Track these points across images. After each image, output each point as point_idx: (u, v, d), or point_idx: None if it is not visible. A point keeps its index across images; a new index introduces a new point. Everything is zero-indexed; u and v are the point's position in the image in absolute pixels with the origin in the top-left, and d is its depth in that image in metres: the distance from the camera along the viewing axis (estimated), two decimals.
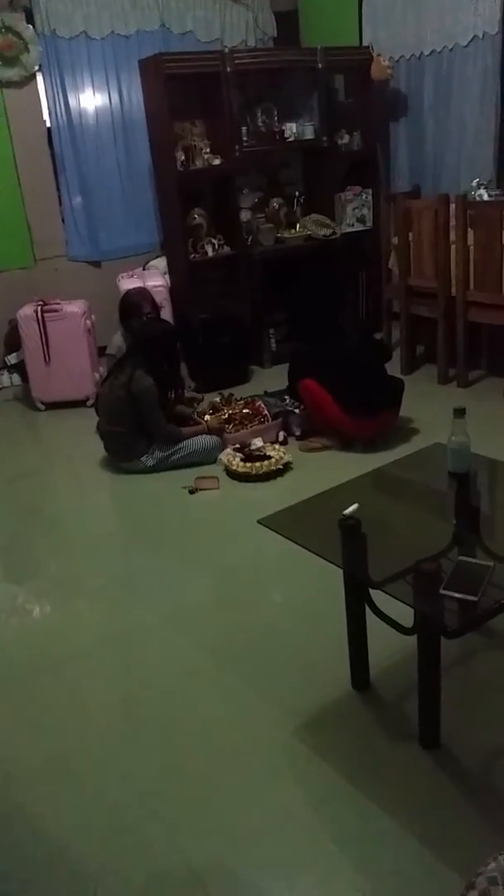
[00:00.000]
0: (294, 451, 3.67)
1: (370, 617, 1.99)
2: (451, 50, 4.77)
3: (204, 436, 3.73)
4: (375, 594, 1.89)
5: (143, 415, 3.58)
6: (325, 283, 4.14)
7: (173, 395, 3.83)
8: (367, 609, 1.99)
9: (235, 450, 3.64)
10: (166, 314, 4.65)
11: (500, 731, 1.94)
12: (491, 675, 2.15)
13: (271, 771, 1.89)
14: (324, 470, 3.45)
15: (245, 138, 4.87)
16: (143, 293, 4.25)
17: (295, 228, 5.17)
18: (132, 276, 4.94)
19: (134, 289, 4.35)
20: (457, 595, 1.65)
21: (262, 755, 1.93)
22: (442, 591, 1.66)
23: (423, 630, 1.77)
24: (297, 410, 3.86)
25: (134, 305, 4.09)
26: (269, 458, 3.53)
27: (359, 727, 2.00)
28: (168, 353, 3.72)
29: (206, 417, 3.92)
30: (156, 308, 4.24)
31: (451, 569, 1.74)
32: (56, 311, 4.64)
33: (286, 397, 3.93)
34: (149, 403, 3.57)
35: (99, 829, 1.77)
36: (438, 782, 1.80)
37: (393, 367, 4.28)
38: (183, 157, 4.73)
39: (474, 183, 4.52)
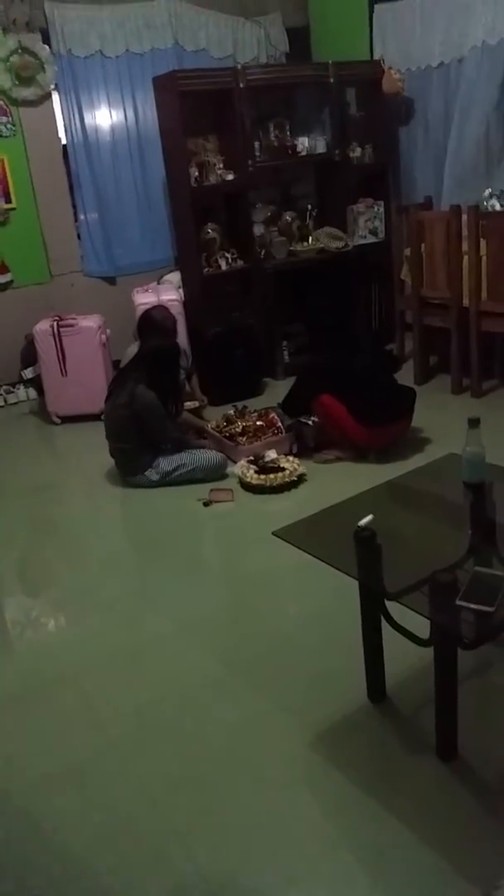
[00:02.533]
0: (308, 463, 3.68)
1: (386, 628, 1.98)
2: (459, 61, 4.80)
3: (209, 452, 3.74)
4: (391, 605, 1.89)
5: (151, 426, 3.62)
6: (338, 295, 4.15)
7: (175, 409, 3.86)
8: (383, 620, 1.98)
9: (249, 462, 3.65)
10: (180, 327, 4.68)
11: None
12: None
13: (287, 782, 1.88)
14: (338, 481, 3.46)
15: (258, 153, 4.91)
16: (164, 313, 4.25)
17: (308, 241, 5.20)
18: (146, 291, 4.99)
19: (156, 307, 4.35)
20: (473, 606, 1.64)
21: (278, 766, 1.93)
22: (458, 603, 1.66)
23: (439, 641, 1.76)
24: (310, 422, 3.86)
25: (155, 326, 4.10)
26: (283, 469, 3.54)
27: (375, 738, 1.99)
28: (169, 368, 3.76)
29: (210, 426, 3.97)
30: (175, 329, 4.25)
31: (467, 580, 1.73)
32: (72, 325, 4.68)
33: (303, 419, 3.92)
34: (155, 417, 3.61)
35: (114, 840, 1.78)
36: (455, 793, 1.78)
37: (406, 378, 4.29)
38: (197, 173, 4.78)
39: (486, 193, 4.53)
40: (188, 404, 4.26)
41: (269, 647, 2.41)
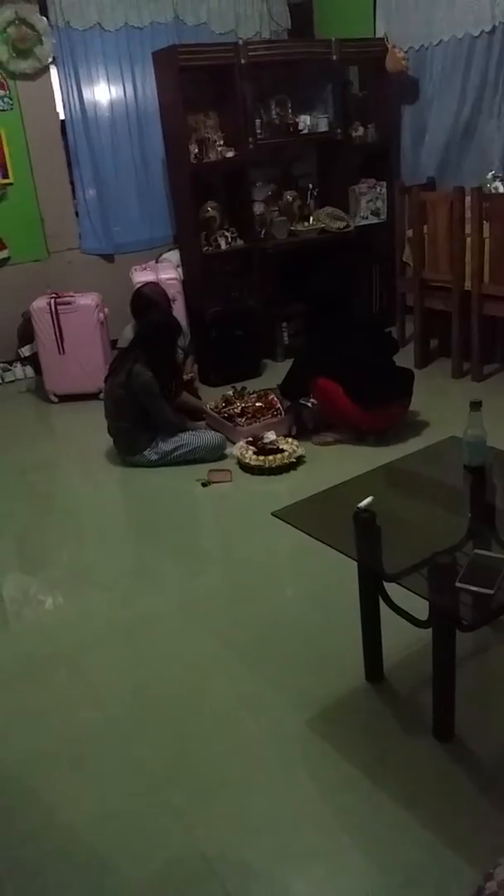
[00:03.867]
0: (307, 445, 3.67)
1: (384, 610, 1.98)
2: (461, 39, 4.73)
3: (208, 433, 3.73)
4: (390, 587, 1.89)
5: (147, 406, 3.60)
6: (338, 276, 4.12)
7: (173, 389, 3.83)
8: (382, 602, 1.98)
9: (248, 443, 3.64)
10: (179, 307, 4.65)
11: None
12: None
13: (284, 761, 1.89)
14: (337, 463, 3.45)
15: (259, 131, 4.85)
16: (156, 288, 4.24)
17: (308, 221, 5.15)
18: (145, 269, 4.94)
19: (147, 284, 4.35)
20: (473, 588, 1.65)
21: (275, 745, 1.94)
22: (458, 585, 1.66)
23: (438, 623, 1.77)
24: (309, 404, 3.85)
25: (148, 301, 4.08)
26: (282, 451, 3.53)
27: (372, 719, 2.00)
28: (167, 345, 3.74)
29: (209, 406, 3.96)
30: (168, 303, 4.23)
31: (467, 562, 1.73)
32: (69, 303, 4.65)
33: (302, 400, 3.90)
34: (151, 395, 3.59)
35: (112, 818, 1.79)
36: (452, 774, 1.79)
37: (406, 361, 4.26)
38: (196, 150, 4.72)
39: (490, 175, 4.48)
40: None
41: (267, 628, 2.42)
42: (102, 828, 1.76)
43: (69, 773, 1.94)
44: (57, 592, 2.83)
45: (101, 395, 4.00)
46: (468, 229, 4.13)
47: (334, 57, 4.89)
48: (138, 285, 4.36)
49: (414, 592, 1.66)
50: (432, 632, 1.78)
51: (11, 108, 4.92)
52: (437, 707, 1.87)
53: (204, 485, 3.44)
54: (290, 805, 1.77)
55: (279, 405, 3.90)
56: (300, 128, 5.00)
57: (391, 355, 3.85)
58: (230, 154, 4.79)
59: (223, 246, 4.88)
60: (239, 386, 4.28)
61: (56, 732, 2.07)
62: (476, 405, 2.06)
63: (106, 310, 4.81)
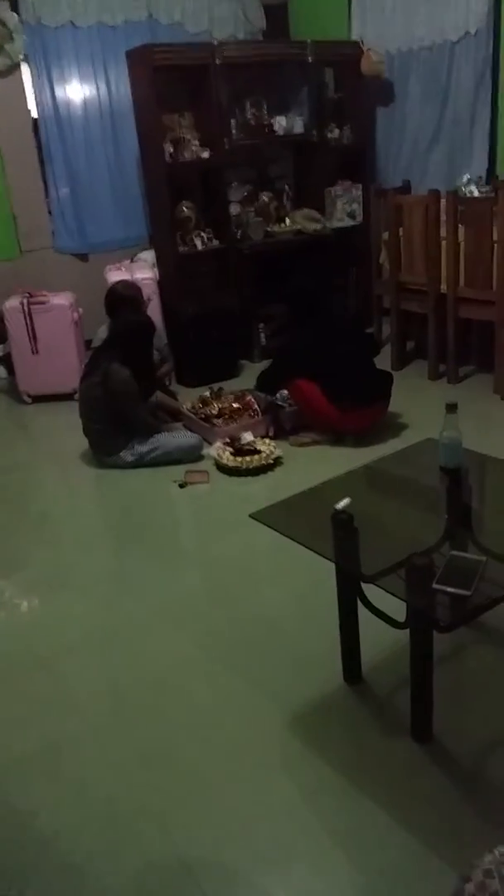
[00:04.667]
0: (284, 446, 3.66)
1: (362, 611, 1.99)
2: (440, 45, 4.77)
3: (185, 434, 3.72)
4: (367, 588, 1.89)
5: (122, 407, 3.57)
6: (315, 277, 4.11)
7: (148, 389, 3.81)
8: (360, 603, 1.99)
9: (225, 444, 3.63)
10: (155, 308, 4.63)
11: (491, 724, 1.95)
12: (482, 669, 2.16)
13: (263, 764, 1.88)
14: (315, 464, 3.45)
15: (234, 131, 4.85)
16: (129, 285, 4.21)
17: (285, 223, 5.16)
18: (120, 269, 4.91)
19: (120, 281, 4.32)
20: (449, 589, 1.65)
21: (255, 748, 1.93)
22: (435, 586, 1.66)
23: (415, 624, 1.77)
24: (286, 405, 3.85)
25: (122, 298, 4.05)
26: (260, 452, 3.52)
27: (351, 721, 2.00)
28: (143, 345, 3.71)
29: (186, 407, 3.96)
30: (142, 300, 4.20)
31: (444, 563, 1.74)
32: (43, 303, 4.60)
33: (277, 396, 3.91)
34: (127, 394, 3.56)
35: (90, 822, 1.77)
36: (431, 775, 1.80)
37: (383, 363, 4.29)
38: (171, 150, 4.70)
39: (465, 179, 4.52)
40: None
41: (245, 630, 2.41)
42: (80, 834, 1.74)
43: (46, 778, 1.91)
44: (33, 596, 2.79)
45: (76, 396, 3.96)
46: (443, 232, 4.16)
47: (310, 59, 4.90)
48: (112, 283, 4.33)
49: (391, 594, 1.67)
50: (410, 633, 1.79)
51: None
52: (415, 708, 1.87)
53: (181, 486, 3.42)
54: (269, 807, 1.76)
55: (257, 406, 3.89)
56: (275, 129, 5.01)
57: (371, 357, 3.86)
58: (205, 154, 4.77)
59: (199, 246, 4.86)
60: (216, 387, 4.27)
61: (33, 738, 2.04)
62: (452, 407, 2.07)
63: (80, 309, 4.77)
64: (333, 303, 3.88)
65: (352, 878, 1.58)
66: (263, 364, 4.82)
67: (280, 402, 3.85)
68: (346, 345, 3.72)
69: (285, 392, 3.80)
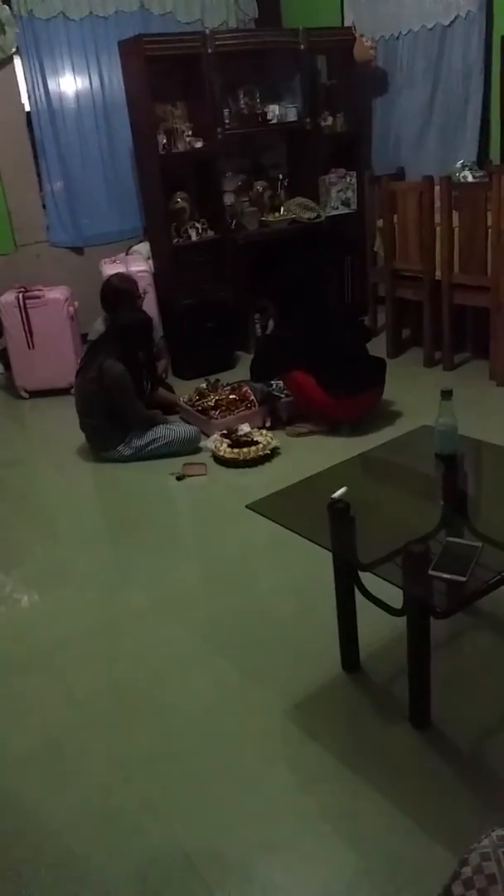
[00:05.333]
0: (281, 436, 3.66)
1: (359, 599, 1.99)
2: (431, 29, 4.74)
3: (182, 425, 3.72)
4: (364, 576, 1.90)
5: (117, 402, 3.56)
6: (305, 263, 4.09)
7: (149, 383, 3.81)
8: (357, 591, 1.99)
9: (223, 435, 3.62)
10: (150, 300, 4.62)
11: (489, 709, 1.95)
12: (479, 654, 2.16)
13: (263, 753, 1.89)
14: (311, 454, 3.45)
15: (227, 120, 4.82)
16: (125, 278, 4.20)
17: (279, 212, 5.13)
18: (115, 262, 4.90)
19: (116, 274, 4.31)
20: (446, 576, 1.66)
21: (254, 738, 1.94)
22: (431, 573, 1.67)
23: (412, 611, 1.77)
24: (283, 396, 3.85)
25: (117, 291, 4.04)
26: (257, 443, 3.52)
27: (350, 708, 2.01)
28: (143, 342, 3.71)
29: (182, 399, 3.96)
30: (138, 293, 4.19)
31: (440, 550, 1.74)
32: (38, 297, 4.59)
33: (272, 384, 3.91)
34: (121, 390, 3.55)
35: (91, 815, 1.77)
36: (429, 762, 1.81)
37: (379, 350, 4.28)
38: (164, 140, 4.68)
39: (458, 164, 4.50)
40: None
41: (244, 620, 2.41)
42: (81, 826, 1.75)
43: (46, 771, 1.92)
44: (32, 590, 2.79)
45: (73, 391, 3.96)
46: (438, 219, 4.15)
47: (302, 46, 4.86)
48: (108, 276, 4.31)
49: (388, 581, 1.67)
50: (407, 620, 1.79)
51: None
52: (413, 695, 1.88)
53: (179, 478, 3.42)
54: (269, 796, 1.77)
55: (253, 397, 3.89)
56: (269, 117, 4.98)
57: (363, 343, 3.85)
58: (199, 144, 4.75)
59: (194, 237, 4.84)
60: (212, 378, 4.27)
61: (32, 731, 2.05)
62: (447, 394, 2.07)
63: (76, 303, 4.76)
64: (323, 291, 3.85)
65: (352, 863, 1.59)
66: None
67: (276, 393, 3.85)
68: (337, 332, 3.71)
69: (281, 383, 3.80)
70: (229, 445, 3.53)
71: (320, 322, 3.69)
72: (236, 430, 3.64)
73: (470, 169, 4.44)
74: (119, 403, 3.58)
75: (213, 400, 3.96)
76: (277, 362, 3.75)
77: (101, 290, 4.11)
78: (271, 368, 3.79)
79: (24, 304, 4.55)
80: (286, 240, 4.94)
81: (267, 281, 4.01)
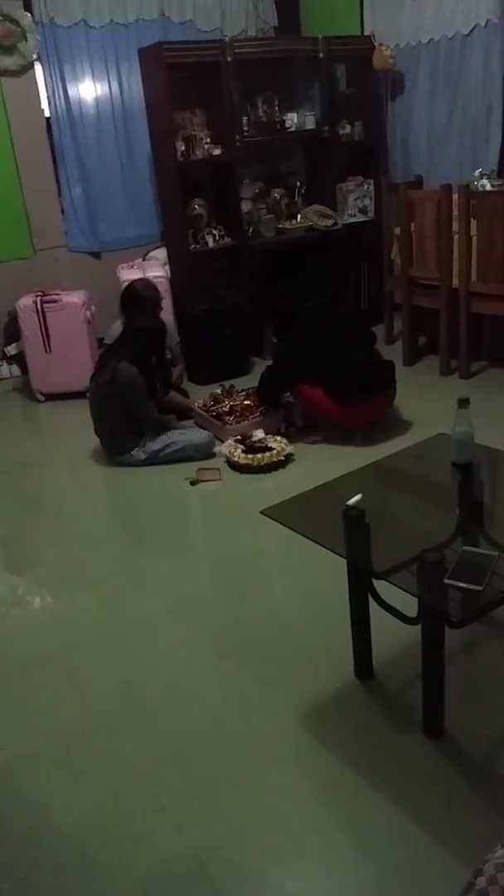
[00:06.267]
0: (296, 443, 3.66)
1: (373, 607, 1.98)
2: (451, 38, 4.74)
3: (197, 431, 3.72)
4: (379, 584, 1.89)
5: (130, 404, 3.58)
6: (311, 278, 4.10)
7: (161, 387, 3.82)
8: (371, 599, 1.98)
9: (237, 441, 3.63)
10: (167, 305, 4.63)
11: (503, 719, 1.94)
12: (494, 664, 2.15)
13: (275, 759, 1.89)
14: (326, 461, 3.45)
15: (246, 128, 4.84)
16: (149, 285, 4.21)
17: (296, 219, 5.15)
18: (132, 267, 4.92)
19: (139, 280, 4.32)
20: (461, 585, 1.65)
21: (266, 743, 1.93)
22: (446, 581, 1.66)
23: (427, 620, 1.77)
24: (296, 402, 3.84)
25: (138, 297, 4.05)
26: (271, 449, 3.52)
27: (362, 716, 2.00)
28: (155, 346, 3.73)
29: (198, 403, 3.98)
30: (159, 301, 4.20)
31: (456, 559, 1.73)
32: (55, 301, 4.62)
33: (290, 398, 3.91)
34: (135, 392, 3.57)
35: (102, 817, 1.78)
36: (442, 771, 1.80)
37: (395, 358, 4.26)
38: (183, 147, 4.71)
39: (477, 173, 4.50)
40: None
41: (257, 626, 2.41)
42: (92, 828, 1.75)
43: (59, 773, 1.92)
44: (45, 592, 2.81)
45: (87, 395, 3.98)
46: (455, 227, 4.14)
47: (321, 54, 4.88)
48: (131, 280, 4.32)
49: (403, 589, 1.67)
50: (421, 629, 1.78)
51: None
52: (427, 704, 1.87)
53: (192, 483, 3.43)
54: (280, 803, 1.76)
55: None
56: (287, 125, 5.00)
57: (368, 347, 3.82)
58: (217, 152, 4.77)
59: (210, 244, 4.86)
60: (227, 384, 4.27)
61: (45, 733, 2.06)
62: (464, 402, 2.06)
63: (93, 307, 4.79)
64: (326, 301, 3.82)
65: (363, 873, 1.58)
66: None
67: (291, 399, 3.85)
68: (339, 340, 3.66)
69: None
70: (243, 451, 3.53)
71: (320, 332, 3.65)
72: (251, 436, 3.64)
73: (488, 177, 4.43)
74: (132, 405, 3.59)
75: (228, 405, 3.97)
76: (280, 385, 3.76)
77: (122, 292, 4.13)
78: (276, 393, 3.80)
79: (42, 307, 4.58)
80: (303, 247, 4.95)
81: (266, 301, 4.02)
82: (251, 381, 4.47)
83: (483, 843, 1.55)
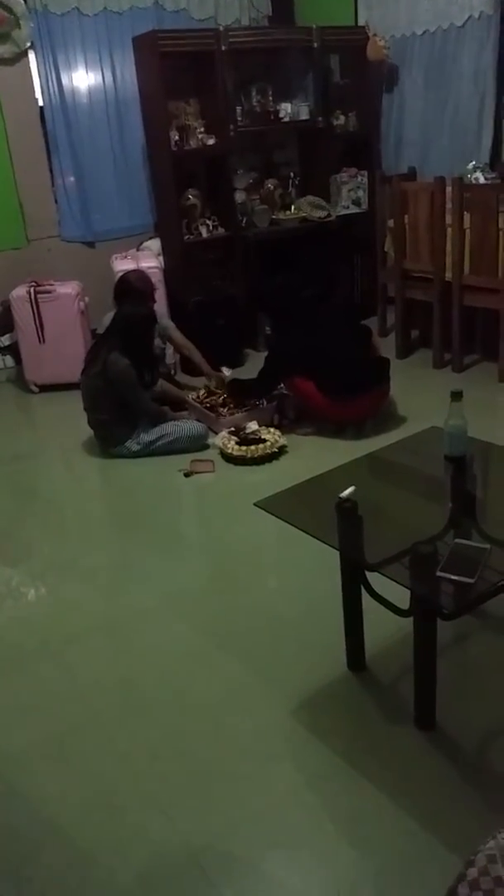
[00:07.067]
0: (289, 435, 3.66)
1: (366, 599, 1.99)
2: (445, 30, 4.72)
3: (190, 422, 3.72)
4: (371, 576, 1.90)
5: (124, 396, 3.57)
6: (304, 272, 4.09)
7: (150, 378, 3.81)
8: (364, 591, 1.99)
9: (231, 433, 3.63)
10: (160, 296, 4.61)
11: (494, 711, 1.96)
12: (485, 656, 2.16)
13: (268, 752, 1.90)
14: (319, 453, 3.45)
15: (239, 118, 4.82)
16: (143, 278, 4.19)
17: (290, 210, 5.13)
18: (126, 258, 4.90)
19: (134, 271, 4.30)
20: (453, 577, 1.66)
21: (260, 736, 1.95)
22: (438, 574, 1.67)
23: (419, 612, 1.78)
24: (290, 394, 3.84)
25: (130, 288, 4.03)
26: (265, 441, 3.52)
27: (355, 708, 2.01)
28: (143, 335, 3.72)
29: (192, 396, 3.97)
30: (153, 293, 4.19)
31: (448, 552, 1.74)
32: (49, 292, 4.60)
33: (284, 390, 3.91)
34: (127, 383, 3.56)
35: (96, 811, 1.78)
36: (434, 762, 1.81)
37: (388, 351, 4.28)
38: (177, 137, 4.68)
39: (470, 166, 4.49)
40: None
41: (250, 618, 2.42)
42: (87, 821, 1.76)
43: (53, 767, 1.93)
44: (39, 585, 2.81)
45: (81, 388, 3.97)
46: (449, 220, 4.14)
47: (315, 44, 4.86)
48: (126, 271, 4.30)
49: (395, 581, 1.68)
50: (413, 621, 1.79)
51: None
52: (419, 696, 1.88)
53: (186, 475, 3.43)
54: (274, 795, 1.77)
55: None
56: (281, 115, 4.97)
57: (361, 343, 3.82)
58: (211, 141, 4.75)
59: (204, 234, 4.85)
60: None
61: (39, 727, 2.06)
62: (457, 395, 2.07)
63: (86, 298, 4.77)
64: (320, 294, 3.82)
65: (356, 863, 1.60)
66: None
67: (285, 391, 3.85)
68: (334, 335, 3.66)
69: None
70: (237, 443, 3.54)
71: (315, 327, 3.66)
72: (244, 428, 3.64)
73: (482, 170, 4.43)
74: (125, 396, 3.58)
75: (222, 397, 3.96)
76: (277, 376, 3.76)
77: (116, 283, 4.11)
78: (271, 385, 3.81)
79: (36, 298, 4.56)
80: (297, 238, 4.93)
81: (259, 293, 4.02)
82: (245, 372, 4.46)
83: (475, 835, 1.57)
